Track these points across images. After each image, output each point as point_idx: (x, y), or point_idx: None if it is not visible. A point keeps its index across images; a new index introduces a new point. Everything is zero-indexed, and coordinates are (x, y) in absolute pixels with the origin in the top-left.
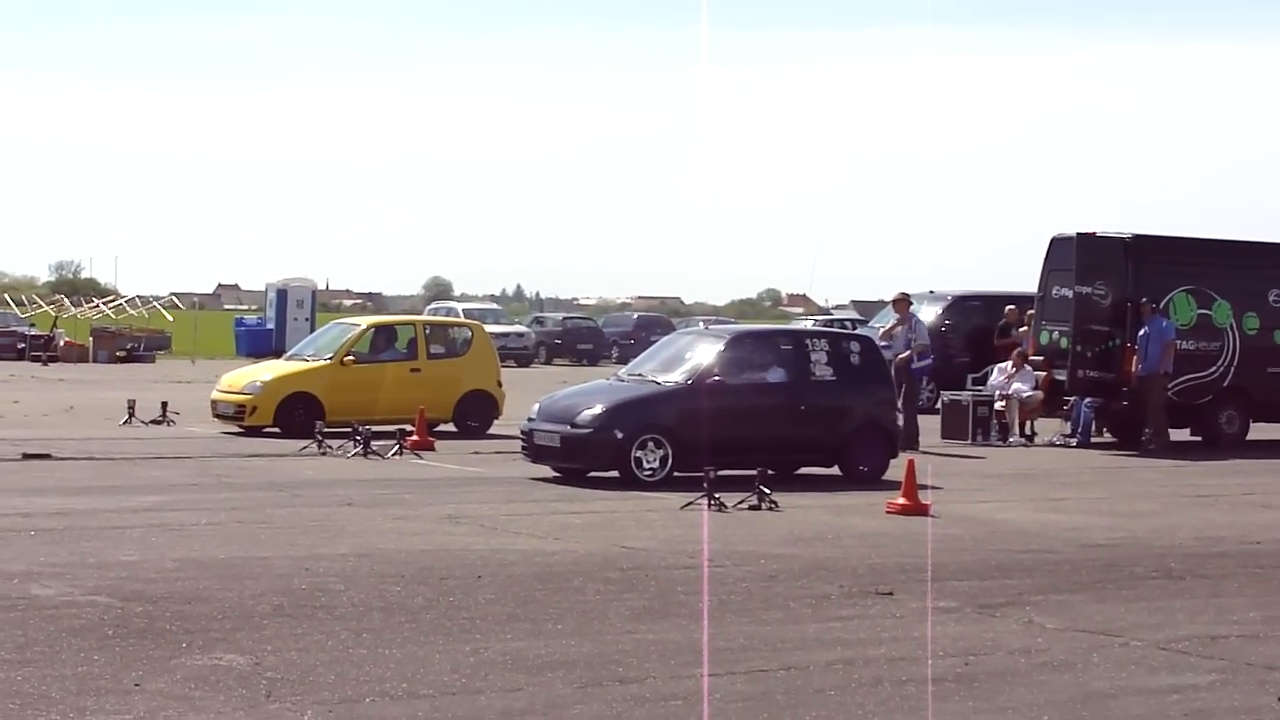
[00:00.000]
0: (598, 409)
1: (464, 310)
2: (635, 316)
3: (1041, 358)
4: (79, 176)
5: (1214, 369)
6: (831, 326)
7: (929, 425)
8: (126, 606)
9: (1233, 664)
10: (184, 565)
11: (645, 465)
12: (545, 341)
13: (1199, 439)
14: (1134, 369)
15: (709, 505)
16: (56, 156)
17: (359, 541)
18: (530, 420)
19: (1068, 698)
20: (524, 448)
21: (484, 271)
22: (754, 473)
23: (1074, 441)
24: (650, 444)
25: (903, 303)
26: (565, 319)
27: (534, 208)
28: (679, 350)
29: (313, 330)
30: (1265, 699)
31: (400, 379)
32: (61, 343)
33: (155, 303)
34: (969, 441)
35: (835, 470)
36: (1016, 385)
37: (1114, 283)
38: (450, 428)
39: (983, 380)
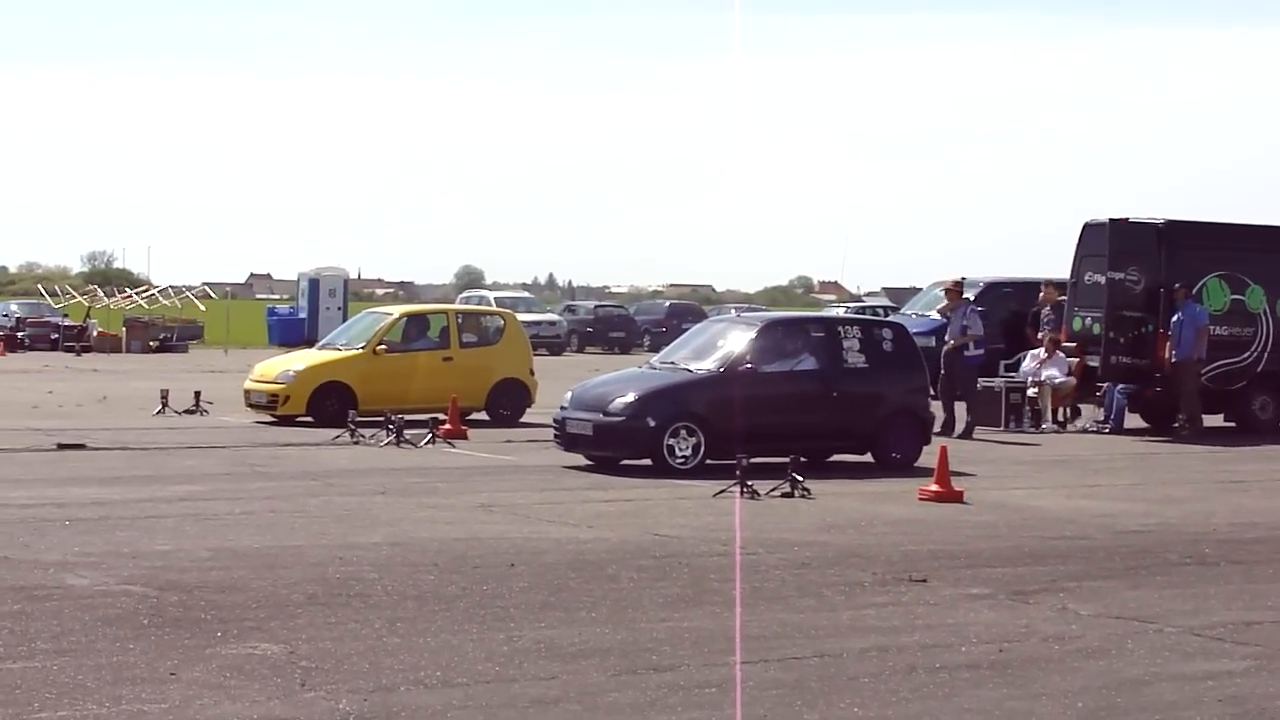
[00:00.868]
0: (630, 397)
1: (496, 299)
2: (667, 304)
3: (1074, 344)
4: (112, 167)
5: (1247, 354)
6: (863, 313)
7: (959, 413)
8: (161, 596)
9: (1267, 650)
10: (218, 554)
11: (678, 453)
12: (577, 330)
13: (1232, 425)
14: (1167, 355)
15: (742, 493)
16: (89, 147)
17: (392, 530)
18: (563, 408)
19: (1102, 684)
20: (556, 436)
21: (516, 260)
22: (786, 460)
23: (1107, 428)
24: (683, 432)
25: (955, 290)
26: (597, 307)
27: (566, 196)
28: (711, 338)
29: (345, 319)
30: None
31: (433, 368)
32: (95, 333)
33: (188, 293)
34: (1002, 428)
35: (868, 457)
36: (1049, 372)
37: (1147, 268)
38: (483, 416)
39: (1015, 367)
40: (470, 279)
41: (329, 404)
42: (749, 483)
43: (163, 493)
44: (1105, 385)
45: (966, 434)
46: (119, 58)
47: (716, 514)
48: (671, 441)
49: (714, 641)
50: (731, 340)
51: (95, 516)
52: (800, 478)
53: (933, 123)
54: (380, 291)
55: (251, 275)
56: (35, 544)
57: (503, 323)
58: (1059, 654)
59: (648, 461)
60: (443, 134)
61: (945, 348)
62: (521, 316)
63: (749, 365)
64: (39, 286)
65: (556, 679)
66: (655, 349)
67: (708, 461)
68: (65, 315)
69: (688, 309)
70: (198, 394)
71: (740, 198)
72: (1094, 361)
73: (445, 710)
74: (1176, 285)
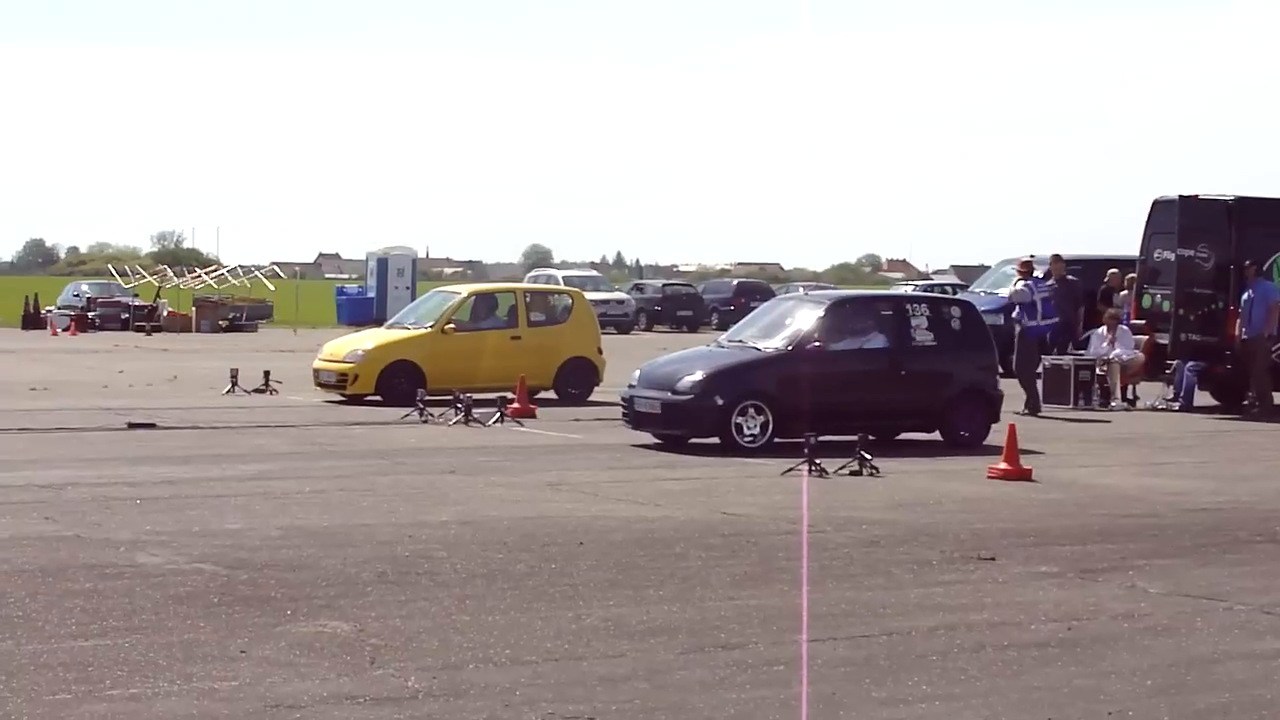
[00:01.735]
0: (698, 376)
1: (564, 278)
2: (735, 283)
3: (1143, 321)
4: (182, 148)
5: None
6: (932, 291)
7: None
8: (232, 574)
9: None
10: (288, 533)
11: (746, 431)
12: (645, 308)
13: None
14: (1237, 332)
15: (810, 471)
16: (160, 128)
17: (461, 509)
18: (631, 387)
19: (1170, 662)
20: (625, 415)
21: (584, 239)
22: (854, 438)
23: (1176, 405)
24: (751, 410)
25: (1026, 268)
26: (665, 286)
27: (634, 175)
28: (779, 316)
29: (413, 299)
30: None
31: (501, 347)
32: (165, 313)
33: (257, 272)
34: (1071, 406)
35: (936, 436)
36: (1116, 351)
37: (1216, 245)
38: (551, 395)
39: (1084, 345)
40: (538, 258)
41: (398, 383)
42: (817, 461)
43: (232, 471)
44: (1175, 363)
45: (1030, 410)
46: (192, 39)
47: (784, 492)
48: (739, 420)
49: (782, 620)
50: (799, 318)
51: (166, 495)
52: (868, 456)
53: (1002, 99)
54: (448, 270)
55: (320, 255)
56: (106, 523)
57: (571, 301)
58: (1128, 632)
59: (715, 440)
60: (512, 113)
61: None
62: (589, 295)
63: (817, 343)
64: (109, 267)
65: (624, 657)
66: (723, 327)
67: (776, 440)
68: (135, 295)
69: (756, 287)
70: (267, 373)
71: (808, 175)
72: (1163, 339)
73: (514, 688)
74: (1247, 262)
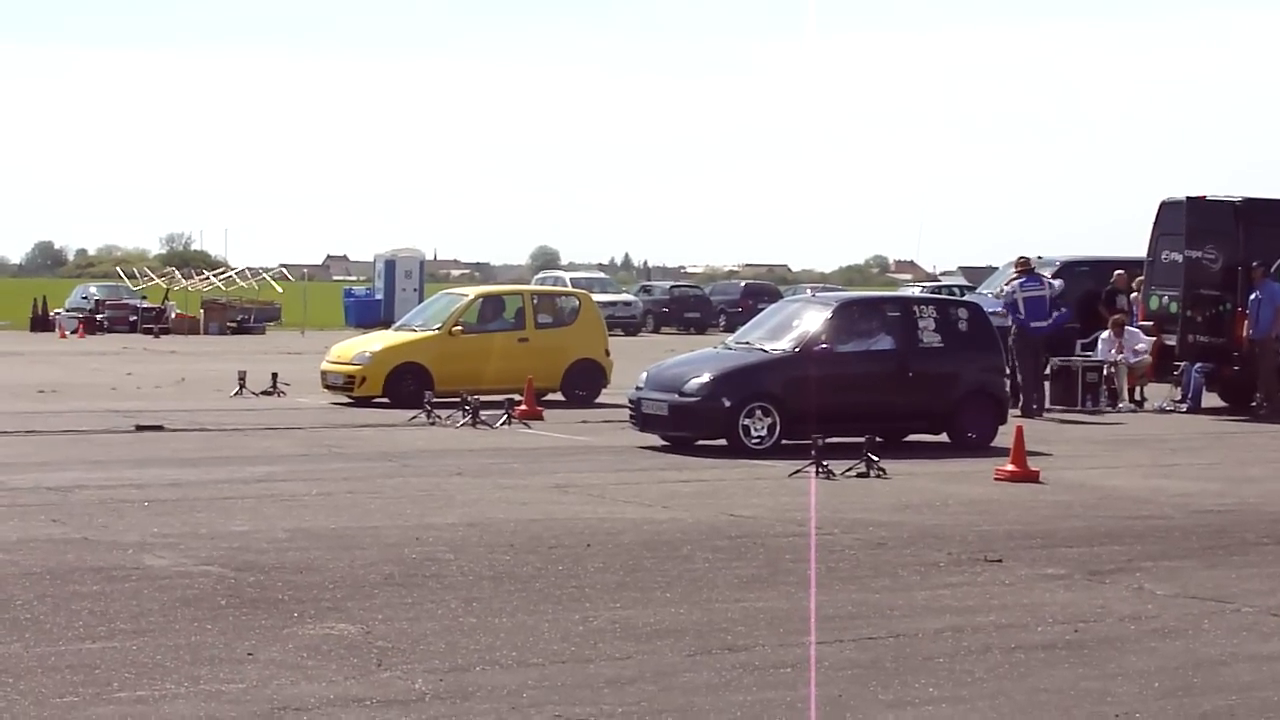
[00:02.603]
0: (705, 377)
1: (571, 279)
2: (742, 284)
3: (1150, 323)
4: (189, 150)
5: None
6: (939, 293)
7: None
8: (239, 576)
9: None
10: (295, 535)
11: (753, 433)
12: (653, 310)
13: None
14: (1245, 333)
15: (817, 473)
16: (167, 131)
17: (468, 511)
18: (638, 389)
19: (1178, 664)
20: (632, 416)
21: (591, 241)
22: (862, 440)
23: (1184, 407)
24: (758, 412)
25: (1023, 265)
26: (673, 287)
27: (641, 177)
28: (786, 318)
29: (421, 300)
30: None
31: (508, 349)
32: (173, 315)
33: (265, 274)
34: (1078, 407)
35: (943, 437)
36: (1124, 355)
37: (1224, 247)
38: (558, 397)
39: (1092, 346)
40: (546, 260)
41: (405, 385)
42: (824, 463)
43: (240, 474)
44: (1182, 364)
45: (1027, 412)
46: (200, 41)
47: (791, 494)
48: (747, 422)
49: (789, 622)
50: (807, 320)
51: (173, 498)
52: (875, 458)
53: (1009, 101)
54: (456, 272)
55: (328, 257)
56: (114, 525)
57: (578, 303)
58: (1135, 634)
59: (723, 442)
60: (519, 115)
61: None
62: (597, 297)
63: (824, 345)
64: (117, 269)
65: (631, 659)
66: (730, 329)
67: (783, 442)
68: (143, 297)
69: (763, 289)
70: (275, 375)
71: (816, 177)
72: (1171, 340)
73: (520, 690)
74: (1255, 264)
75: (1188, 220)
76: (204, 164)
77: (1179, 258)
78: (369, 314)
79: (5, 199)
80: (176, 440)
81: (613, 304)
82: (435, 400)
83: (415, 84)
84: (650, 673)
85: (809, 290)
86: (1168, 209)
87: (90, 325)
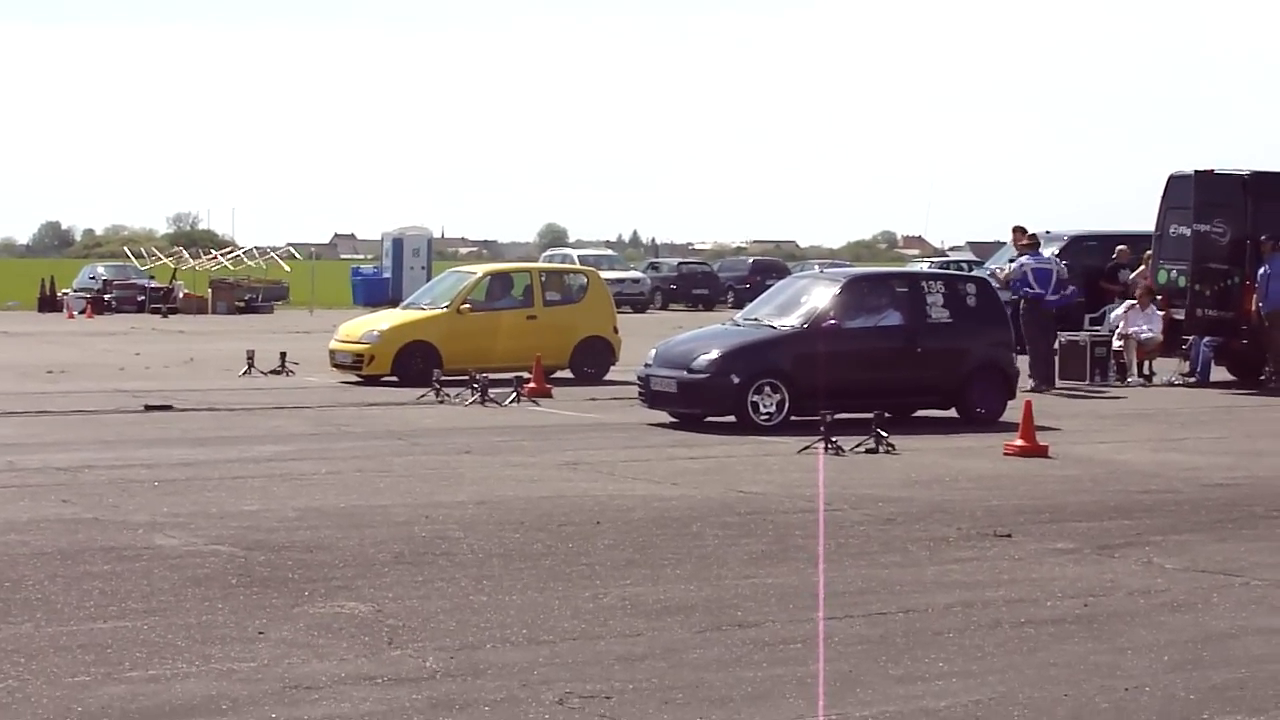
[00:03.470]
0: (714, 354)
1: (579, 257)
2: (750, 261)
3: (1160, 297)
4: (197, 130)
5: None
6: (947, 268)
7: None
8: (249, 555)
9: None
10: (305, 514)
11: (762, 410)
12: (661, 287)
13: None
14: (1255, 307)
15: (826, 449)
16: (174, 110)
17: (478, 489)
18: (647, 366)
19: (1188, 638)
20: (641, 393)
21: (599, 218)
22: (870, 416)
23: (1192, 380)
24: (767, 388)
25: (1019, 234)
26: (681, 264)
27: (649, 154)
28: (794, 294)
29: (429, 279)
30: None
31: (517, 326)
32: (181, 295)
33: (272, 253)
34: (1087, 382)
35: (952, 413)
36: (1134, 328)
37: (1232, 220)
38: (567, 374)
39: (1100, 320)
40: (553, 237)
41: (414, 363)
42: (833, 439)
43: (249, 453)
44: (1191, 338)
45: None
46: (207, 19)
47: (800, 470)
48: (755, 398)
49: (798, 597)
50: (815, 296)
51: (183, 477)
52: (884, 433)
53: (1017, 75)
54: (464, 250)
55: (336, 235)
56: (124, 505)
57: (586, 281)
58: (1144, 608)
59: (732, 418)
60: (527, 93)
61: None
62: (605, 274)
63: (833, 321)
64: (125, 249)
65: (642, 636)
66: (739, 306)
67: (792, 418)
68: (151, 277)
69: (771, 265)
70: (283, 355)
71: (824, 153)
72: (1179, 314)
73: (531, 667)
74: (1263, 237)
75: (1196, 194)
76: (211, 143)
77: (1187, 232)
78: (377, 292)
79: (12, 179)
80: (186, 420)
81: (621, 281)
82: (444, 378)
83: (422, 61)
84: (660, 649)
85: (817, 266)
86: (1176, 183)
87: (98, 305)
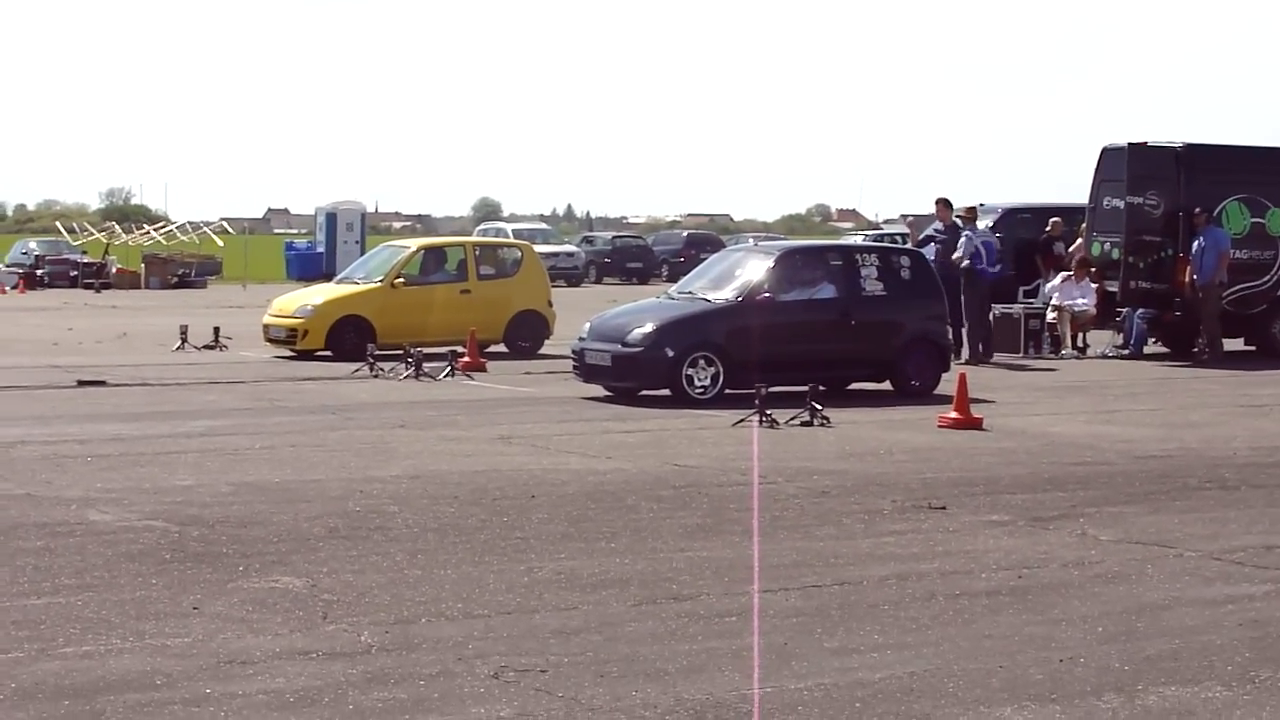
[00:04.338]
0: (648, 328)
1: (513, 231)
2: (685, 234)
3: (1093, 269)
4: (129, 104)
5: (1267, 278)
6: (881, 241)
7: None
8: (183, 531)
9: None
10: (239, 489)
11: (696, 383)
12: (595, 261)
13: (1252, 348)
14: (1189, 279)
15: (760, 422)
16: (105, 84)
17: (412, 463)
18: (581, 340)
19: (1122, 609)
20: (575, 367)
21: (533, 192)
22: (805, 389)
23: (1126, 353)
24: (701, 362)
25: (943, 207)
26: (615, 238)
27: (583, 127)
28: (729, 268)
29: (363, 253)
30: None
31: (451, 301)
32: (113, 270)
33: (206, 228)
34: (1020, 354)
35: (887, 385)
36: (1068, 300)
37: (1166, 193)
38: (501, 349)
39: (1034, 293)
40: (487, 211)
41: (348, 338)
42: (768, 412)
43: (183, 428)
44: (1124, 310)
45: (975, 359)
46: None
47: (735, 443)
48: (690, 371)
49: (733, 570)
50: (749, 269)
51: (116, 453)
52: (819, 406)
53: (950, 47)
54: (397, 225)
55: (269, 210)
56: (57, 481)
57: (520, 255)
58: (1078, 580)
59: (666, 392)
60: (460, 66)
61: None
62: (539, 248)
63: (767, 294)
64: (57, 224)
65: (577, 609)
66: (673, 279)
67: (726, 391)
68: (84, 252)
69: (706, 239)
70: (217, 329)
71: (758, 127)
72: (1113, 287)
73: (466, 641)
74: (1197, 210)
75: (1129, 166)
76: (144, 118)
77: (1121, 204)
78: (310, 267)
79: None
80: (119, 395)
81: (555, 255)
82: (378, 353)
83: (355, 34)
84: (596, 623)
85: (751, 239)
86: (1109, 155)
87: (31, 281)
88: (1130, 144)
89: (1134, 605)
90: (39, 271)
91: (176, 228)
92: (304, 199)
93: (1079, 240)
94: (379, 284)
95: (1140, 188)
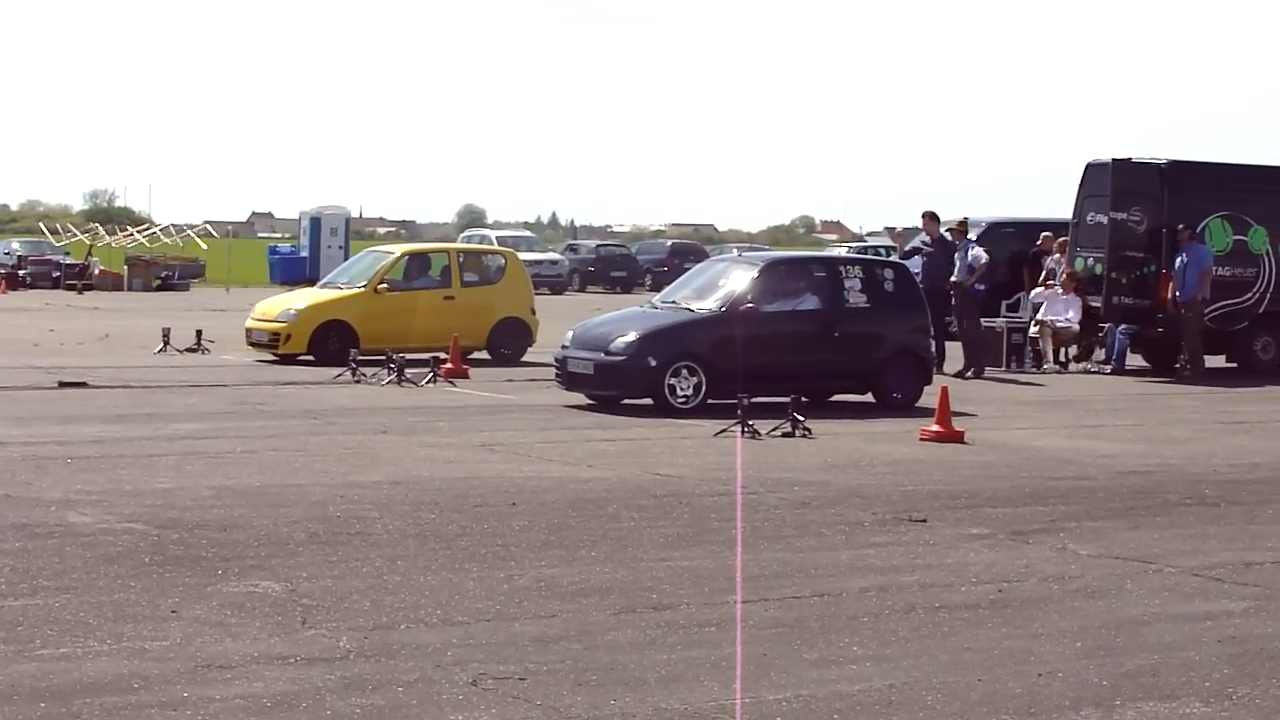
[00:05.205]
0: (631, 336)
1: (498, 238)
2: (669, 244)
3: (1077, 284)
4: (114, 106)
5: (1249, 295)
6: (865, 254)
7: (955, 352)
8: (163, 534)
9: (1267, 590)
10: (219, 493)
11: (679, 393)
12: (579, 269)
13: (1234, 365)
14: (1171, 296)
15: (742, 432)
16: (90, 85)
17: (393, 469)
18: (564, 348)
19: (1101, 624)
20: (558, 375)
21: (518, 199)
22: (787, 400)
23: (1108, 368)
24: (684, 371)
25: (929, 220)
26: (599, 246)
27: (569, 135)
28: (712, 278)
29: (346, 258)
30: None
31: (434, 307)
32: (96, 271)
33: (189, 231)
34: (1003, 368)
35: (869, 397)
36: (1051, 315)
37: (1149, 209)
38: (484, 355)
39: (1016, 307)
40: (472, 218)
41: (330, 343)
42: (750, 422)
43: (164, 431)
44: (1107, 326)
45: (967, 373)
46: None
47: (717, 453)
48: (672, 381)
49: (714, 580)
50: (733, 280)
51: (97, 455)
52: (801, 417)
53: (935, 60)
54: (382, 230)
55: (253, 214)
56: (37, 482)
57: (504, 262)
58: (1058, 594)
59: (648, 401)
60: (444, 72)
61: (952, 284)
62: (523, 255)
63: (750, 305)
64: (40, 225)
65: (556, 617)
66: (657, 288)
67: (709, 401)
68: (67, 253)
69: (690, 248)
70: (199, 332)
71: (743, 137)
72: (1096, 302)
73: (445, 648)
74: (1181, 227)
75: (1113, 182)
76: (128, 120)
77: (1104, 219)
78: (294, 271)
79: None
80: (100, 397)
81: (539, 262)
82: (360, 358)
83: (342, 39)
84: (575, 631)
85: (735, 250)
86: (1093, 171)
87: (13, 281)
88: (1114, 159)
89: (1113, 620)
90: (21, 272)
91: (160, 230)
92: (288, 203)
93: (1059, 255)
94: (362, 289)
95: (1124, 203)
